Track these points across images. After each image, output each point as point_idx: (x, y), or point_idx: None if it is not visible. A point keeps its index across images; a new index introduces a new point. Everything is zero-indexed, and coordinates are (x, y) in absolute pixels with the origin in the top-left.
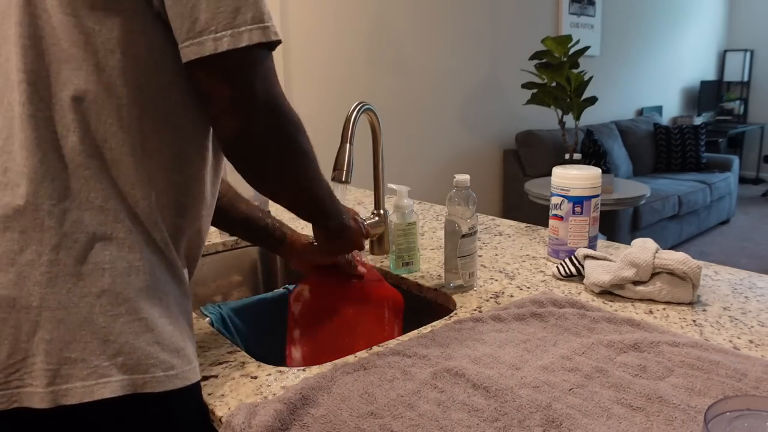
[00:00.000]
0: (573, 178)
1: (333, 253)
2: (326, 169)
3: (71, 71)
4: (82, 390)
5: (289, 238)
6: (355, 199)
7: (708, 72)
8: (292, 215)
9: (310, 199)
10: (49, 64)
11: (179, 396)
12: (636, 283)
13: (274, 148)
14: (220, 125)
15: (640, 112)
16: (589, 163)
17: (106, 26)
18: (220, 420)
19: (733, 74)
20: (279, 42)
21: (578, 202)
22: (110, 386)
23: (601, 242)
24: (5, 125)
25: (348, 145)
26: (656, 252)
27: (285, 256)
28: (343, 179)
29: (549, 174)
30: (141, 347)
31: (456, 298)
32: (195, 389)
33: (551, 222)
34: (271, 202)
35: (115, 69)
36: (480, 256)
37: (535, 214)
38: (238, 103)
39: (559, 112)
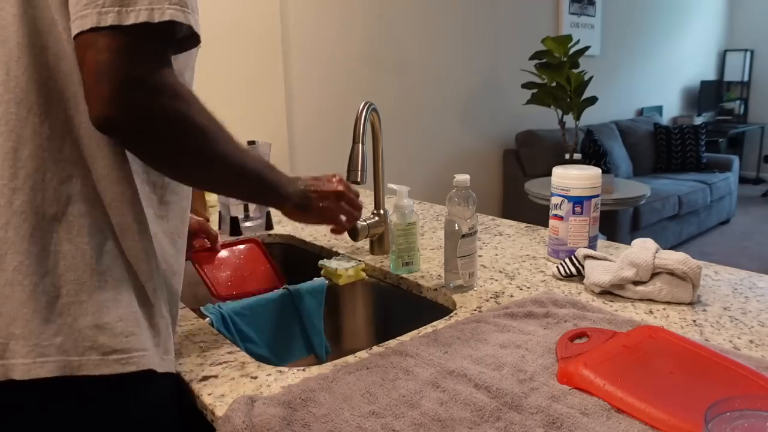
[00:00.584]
0: (573, 178)
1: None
2: (338, 166)
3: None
4: (22, 367)
5: None
6: None
7: (708, 72)
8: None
9: (233, 178)
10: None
11: (123, 381)
12: (636, 283)
13: (154, 123)
14: (88, 100)
15: (640, 112)
16: (589, 163)
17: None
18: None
19: (733, 74)
20: (171, 24)
21: (578, 202)
22: (47, 366)
23: (601, 242)
24: None
25: (360, 145)
26: (656, 252)
27: None
28: (359, 179)
29: (549, 174)
30: (78, 329)
31: (456, 298)
32: (147, 377)
33: (551, 222)
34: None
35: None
36: (480, 256)
37: (535, 214)
38: (106, 77)
39: (559, 112)
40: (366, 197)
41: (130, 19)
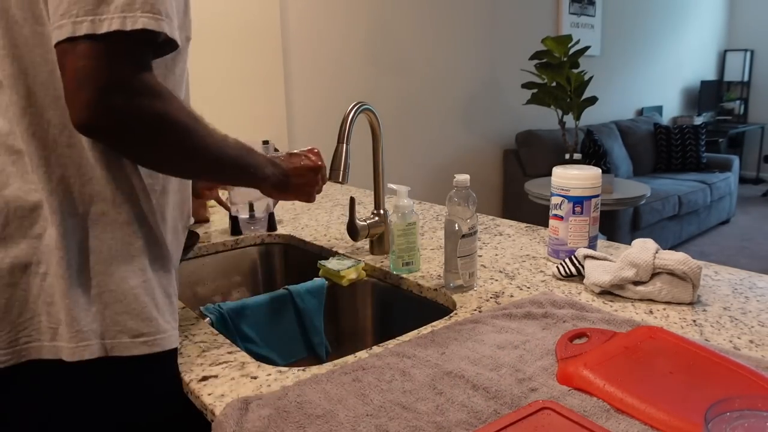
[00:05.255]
0: (573, 178)
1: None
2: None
3: (49, 74)
4: (69, 350)
5: None
6: (355, 199)
7: (708, 72)
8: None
9: (214, 166)
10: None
11: (148, 361)
12: (636, 283)
13: (135, 125)
14: (69, 106)
15: (640, 112)
16: (589, 163)
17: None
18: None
19: (733, 74)
20: (150, 32)
21: (578, 202)
22: (89, 349)
23: (601, 242)
24: None
25: (344, 145)
26: (656, 252)
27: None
28: (340, 179)
29: (549, 174)
30: (109, 315)
31: (456, 298)
32: (166, 357)
33: (551, 222)
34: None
35: None
36: (480, 256)
37: (535, 214)
38: (88, 80)
39: (559, 112)
40: (366, 197)
41: (103, 28)
